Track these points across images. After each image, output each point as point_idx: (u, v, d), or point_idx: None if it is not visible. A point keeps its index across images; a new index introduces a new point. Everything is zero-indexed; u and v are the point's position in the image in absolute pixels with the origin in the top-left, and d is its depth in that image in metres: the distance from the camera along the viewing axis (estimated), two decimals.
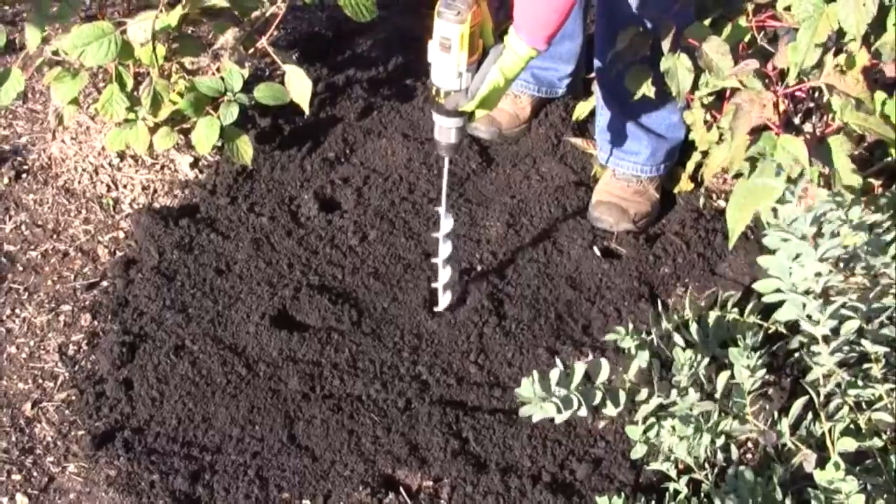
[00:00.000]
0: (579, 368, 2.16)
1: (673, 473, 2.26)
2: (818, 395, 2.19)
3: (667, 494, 2.24)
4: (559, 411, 2.12)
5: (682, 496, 2.21)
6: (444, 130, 2.61)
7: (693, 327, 2.49)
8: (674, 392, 2.22)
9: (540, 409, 2.13)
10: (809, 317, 2.11)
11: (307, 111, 3.11)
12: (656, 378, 2.27)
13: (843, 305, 2.10)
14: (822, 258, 2.04)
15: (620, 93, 2.95)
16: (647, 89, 2.84)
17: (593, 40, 3.11)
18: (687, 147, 3.12)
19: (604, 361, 2.20)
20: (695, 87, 2.72)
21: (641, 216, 3.11)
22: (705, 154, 3.00)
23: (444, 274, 2.80)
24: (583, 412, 2.15)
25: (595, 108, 3.20)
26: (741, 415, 2.21)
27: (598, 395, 2.18)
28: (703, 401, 2.22)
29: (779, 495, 2.11)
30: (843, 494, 1.94)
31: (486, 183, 3.28)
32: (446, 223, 2.73)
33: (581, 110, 3.34)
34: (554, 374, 2.15)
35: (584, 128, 3.45)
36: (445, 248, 2.76)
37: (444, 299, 2.84)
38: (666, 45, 2.62)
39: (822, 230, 2.07)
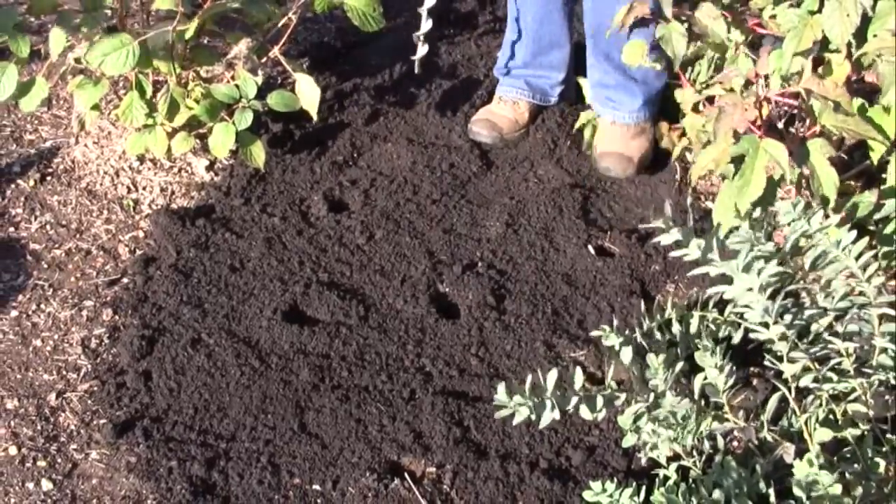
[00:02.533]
0: (552, 377, 2.16)
1: (663, 460, 2.26)
2: (790, 390, 2.18)
3: (657, 480, 2.25)
4: (531, 412, 2.12)
5: (671, 482, 2.22)
6: None
7: (675, 327, 2.49)
8: (652, 395, 2.22)
9: (517, 412, 2.13)
10: (766, 324, 2.12)
11: (315, 118, 3.12)
12: (637, 377, 2.27)
13: (809, 304, 2.11)
14: (761, 257, 2.05)
15: (610, 52, 3.14)
16: (643, 60, 2.86)
17: (580, 48, 3.33)
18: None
19: (578, 370, 2.20)
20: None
21: (642, 159, 3.31)
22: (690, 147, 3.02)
23: (426, 25, 3.13)
24: (556, 415, 2.14)
25: (587, 69, 3.35)
26: (719, 414, 2.21)
27: (574, 400, 2.17)
28: (682, 401, 2.21)
29: (762, 486, 2.11)
30: (821, 486, 1.94)
31: (487, 185, 3.28)
32: None
33: (583, 120, 3.39)
34: (528, 380, 2.15)
35: (579, 135, 3.46)
36: None
37: (422, 50, 3.17)
38: (667, 8, 2.61)
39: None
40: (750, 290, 2.06)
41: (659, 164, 3.33)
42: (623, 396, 2.21)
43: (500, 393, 2.11)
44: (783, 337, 2.10)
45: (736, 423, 2.19)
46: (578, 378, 2.18)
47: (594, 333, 2.34)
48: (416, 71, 3.38)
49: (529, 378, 2.15)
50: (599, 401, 2.18)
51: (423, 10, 3.15)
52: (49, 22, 3.16)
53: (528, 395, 2.11)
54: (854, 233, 2.21)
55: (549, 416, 2.12)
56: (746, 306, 2.09)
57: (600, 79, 3.31)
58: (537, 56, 3.41)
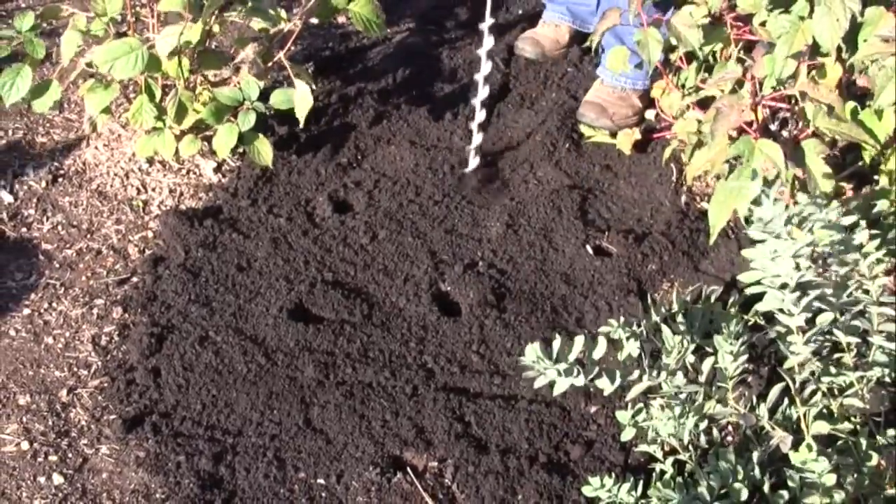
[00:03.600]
0: (578, 341, 2.14)
1: (659, 455, 2.26)
2: (794, 381, 2.19)
3: (654, 474, 2.25)
4: (559, 374, 2.10)
5: (668, 476, 2.22)
6: None
7: (679, 319, 2.49)
8: (663, 374, 2.22)
9: (542, 375, 2.11)
10: (783, 310, 2.11)
11: (302, 123, 3.15)
12: (646, 363, 2.27)
13: (817, 298, 2.10)
14: (797, 255, 2.04)
15: (623, 36, 3.28)
16: (625, 66, 3.02)
17: None
18: None
19: (601, 339, 2.18)
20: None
21: (621, 118, 3.44)
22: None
23: (477, 138, 3.22)
24: (580, 382, 2.13)
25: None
26: (724, 398, 2.21)
27: (596, 370, 2.16)
28: (690, 384, 2.22)
29: (757, 474, 2.11)
30: (815, 473, 1.94)
31: (488, 186, 3.28)
32: (488, 41, 3.08)
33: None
34: (556, 344, 2.13)
35: (576, 136, 3.46)
36: (486, 66, 3.14)
37: (474, 162, 3.23)
38: (631, 15, 2.71)
39: (800, 226, 2.07)
40: (784, 284, 2.06)
41: (655, 165, 3.33)
42: (637, 372, 2.20)
43: (529, 353, 2.10)
44: (801, 329, 2.11)
45: (737, 409, 2.20)
46: (600, 348, 2.17)
47: (602, 330, 2.33)
48: (471, 166, 3.27)
49: (557, 342, 2.14)
50: (617, 373, 2.18)
51: (477, 102, 3.22)
52: (61, 27, 3.16)
53: (553, 360, 2.10)
54: (866, 231, 2.20)
55: (567, 381, 2.11)
56: (783, 285, 2.07)
57: (604, 43, 3.44)
58: None
